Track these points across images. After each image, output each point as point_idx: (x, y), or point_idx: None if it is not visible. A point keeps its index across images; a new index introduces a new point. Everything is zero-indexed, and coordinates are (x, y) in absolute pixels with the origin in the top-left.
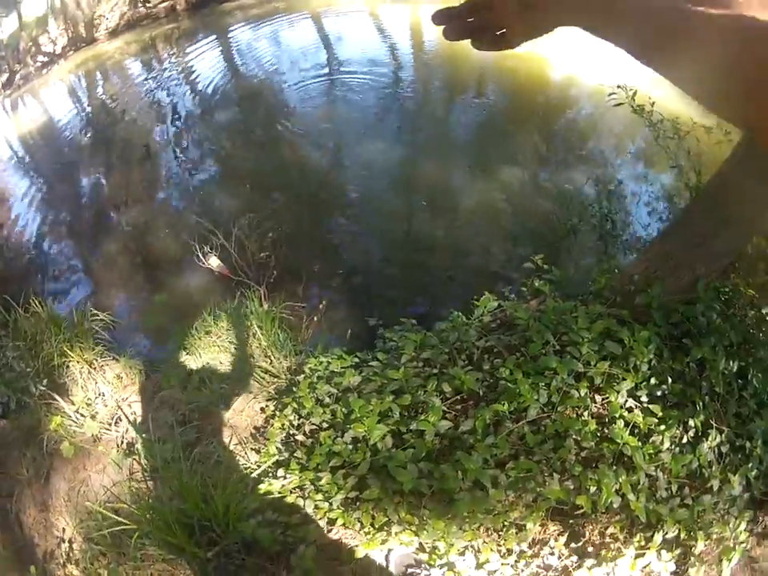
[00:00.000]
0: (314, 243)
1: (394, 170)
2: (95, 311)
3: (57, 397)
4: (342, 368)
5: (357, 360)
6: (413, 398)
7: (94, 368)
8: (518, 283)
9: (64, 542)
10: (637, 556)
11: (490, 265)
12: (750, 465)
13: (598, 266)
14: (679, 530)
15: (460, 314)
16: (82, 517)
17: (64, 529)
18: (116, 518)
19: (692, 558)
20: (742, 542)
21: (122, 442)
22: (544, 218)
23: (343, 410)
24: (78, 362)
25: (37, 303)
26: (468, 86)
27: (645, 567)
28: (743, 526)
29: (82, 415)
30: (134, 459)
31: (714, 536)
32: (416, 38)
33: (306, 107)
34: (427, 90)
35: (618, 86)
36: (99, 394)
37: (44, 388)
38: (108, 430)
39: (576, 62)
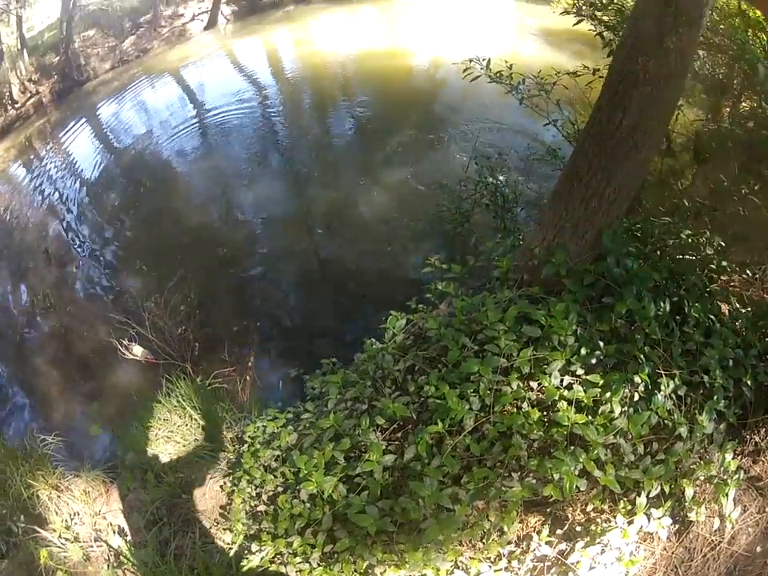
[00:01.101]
0: (227, 303)
1: (287, 204)
2: (43, 437)
3: (38, 528)
4: (278, 428)
5: (290, 415)
6: (351, 440)
7: (61, 490)
8: (424, 289)
9: None
10: (628, 523)
11: (399, 272)
12: (715, 398)
13: (497, 247)
14: (661, 485)
15: (373, 340)
16: None
17: None
18: None
19: (686, 504)
20: (734, 474)
21: (109, 557)
22: (438, 212)
23: (291, 469)
24: (44, 489)
25: None
26: (337, 95)
27: (639, 531)
28: (729, 457)
29: (66, 539)
30: (125, 569)
31: (702, 477)
32: (274, 63)
33: (184, 164)
34: (298, 110)
35: (471, 60)
36: (74, 514)
37: (23, 525)
38: (92, 547)
39: (438, 45)
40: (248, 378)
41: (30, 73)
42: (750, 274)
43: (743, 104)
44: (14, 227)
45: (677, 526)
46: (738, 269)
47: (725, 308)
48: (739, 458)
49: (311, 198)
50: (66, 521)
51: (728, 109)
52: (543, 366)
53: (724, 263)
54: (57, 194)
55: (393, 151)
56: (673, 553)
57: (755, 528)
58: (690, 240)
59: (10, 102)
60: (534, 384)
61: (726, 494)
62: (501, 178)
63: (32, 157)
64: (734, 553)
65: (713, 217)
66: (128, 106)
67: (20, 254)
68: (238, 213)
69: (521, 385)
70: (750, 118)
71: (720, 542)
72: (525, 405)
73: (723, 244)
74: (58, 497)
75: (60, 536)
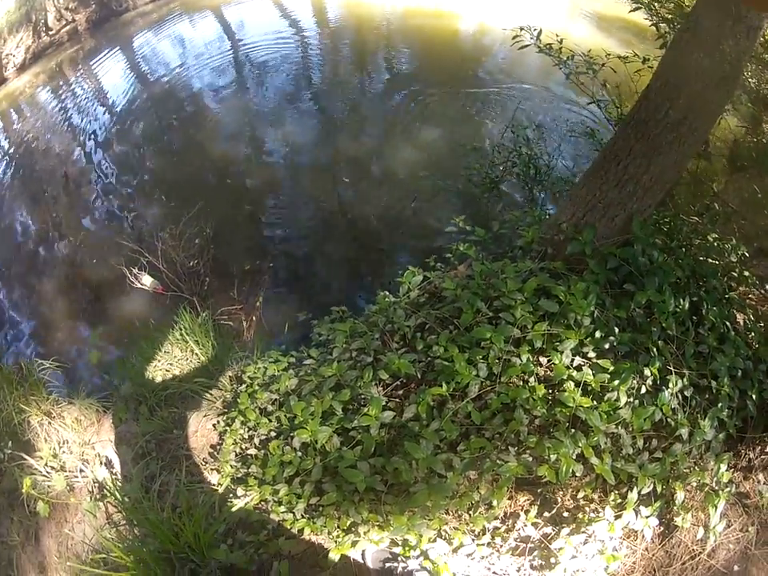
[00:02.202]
0: (242, 241)
1: (315, 149)
2: (41, 361)
3: (25, 455)
4: (279, 371)
5: (293, 359)
6: (352, 392)
7: (53, 417)
8: (444, 249)
9: None
10: (616, 517)
11: (420, 229)
12: (719, 405)
13: (523, 217)
14: (654, 484)
15: (387, 293)
16: (77, 571)
17: None
18: (104, 573)
19: (675, 508)
20: (726, 486)
21: (93, 488)
22: (468, 175)
23: (287, 415)
24: (36, 415)
25: None
26: (378, 48)
27: (625, 527)
28: (723, 468)
29: (52, 467)
30: (107, 502)
31: (694, 483)
32: (318, 9)
33: (216, 100)
34: (337, 58)
35: (522, 28)
36: (63, 442)
37: (10, 451)
38: (77, 477)
39: (486, 12)
40: (254, 317)
41: (67, 1)
42: None
43: None
44: (36, 151)
45: (661, 529)
46: (757, 282)
47: (740, 318)
48: (732, 471)
49: (340, 146)
50: (54, 449)
51: None
52: (556, 343)
53: (746, 273)
54: (82, 120)
55: (428, 109)
56: (653, 555)
57: (736, 545)
58: (716, 244)
59: (44, 29)
60: (543, 360)
61: (716, 505)
62: (536, 149)
63: (61, 83)
64: (711, 566)
65: (741, 225)
66: (164, 39)
67: (39, 178)
68: (264, 153)
69: (531, 358)
70: None
71: (700, 552)
72: (532, 379)
73: (747, 255)
74: (49, 423)
75: (46, 464)
